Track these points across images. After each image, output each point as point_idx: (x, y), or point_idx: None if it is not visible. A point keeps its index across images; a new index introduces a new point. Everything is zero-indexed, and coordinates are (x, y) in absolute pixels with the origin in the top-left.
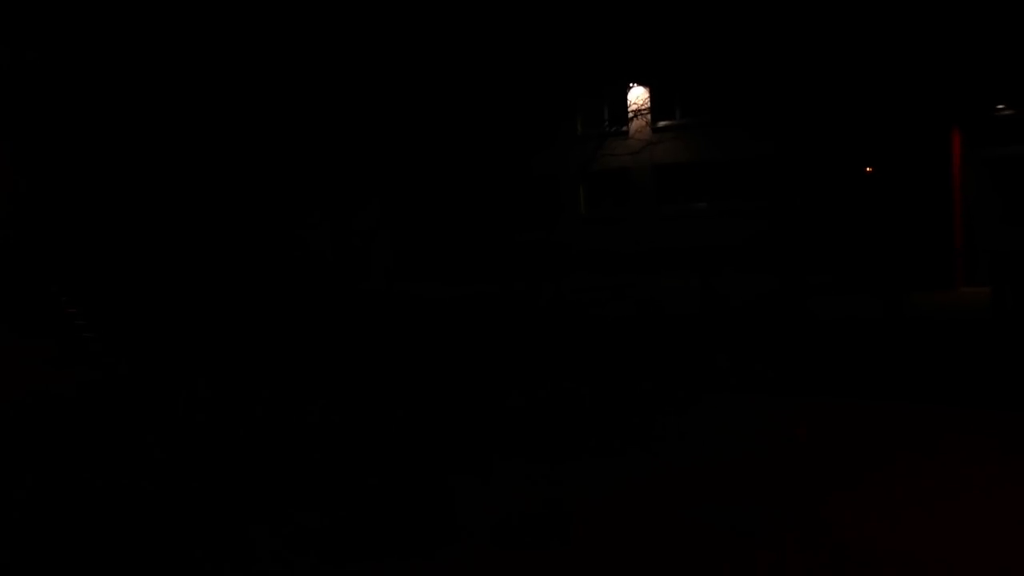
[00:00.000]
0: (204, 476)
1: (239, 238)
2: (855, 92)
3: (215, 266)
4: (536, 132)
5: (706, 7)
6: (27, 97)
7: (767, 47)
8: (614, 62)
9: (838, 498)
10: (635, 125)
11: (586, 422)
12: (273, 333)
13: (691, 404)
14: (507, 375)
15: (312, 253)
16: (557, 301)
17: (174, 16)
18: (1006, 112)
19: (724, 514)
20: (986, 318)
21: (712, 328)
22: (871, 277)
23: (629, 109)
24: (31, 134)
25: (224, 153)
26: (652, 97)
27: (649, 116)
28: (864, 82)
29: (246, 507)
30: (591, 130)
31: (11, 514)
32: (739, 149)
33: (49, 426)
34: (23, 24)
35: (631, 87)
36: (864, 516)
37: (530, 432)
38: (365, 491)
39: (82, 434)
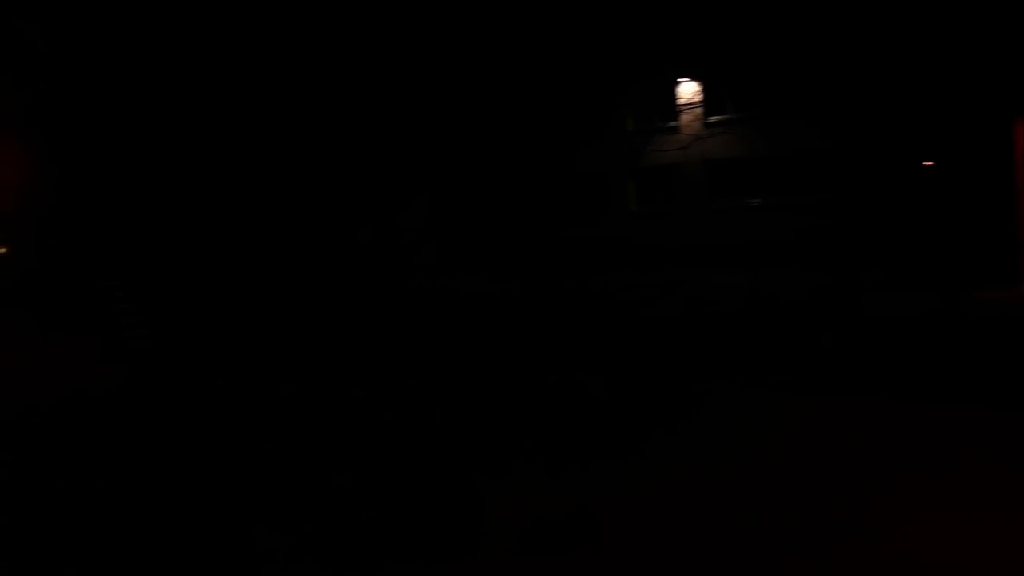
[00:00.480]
0: (226, 478)
1: (290, 235)
2: (913, 83)
3: (266, 263)
4: (584, 127)
5: None
6: (81, 100)
7: (821, 37)
8: (664, 56)
9: (883, 507)
10: (685, 120)
11: (621, 422)
12: (319, 330)
13: (733, 404)
14: (545, 373)
15: (361, 250)
16: (605, 298)
17: (228, 13)
18: None
19: (761, 523)
20: None
21: (760, 326)
22: (929, 273)
23: (679, 104)
24: (88, 135)
25: (277, 152)
26: (703, 91)
27: (700, 110)
28: (923, 72)
29: (264, 511)
30: (641, 125)
31: (21, 517)
32: (792, 143)
33: (86, 424)
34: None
35: (681, 81)
36: (911, 527)
37: (563, 433)
38: (389, 494)
39: (118, 434)
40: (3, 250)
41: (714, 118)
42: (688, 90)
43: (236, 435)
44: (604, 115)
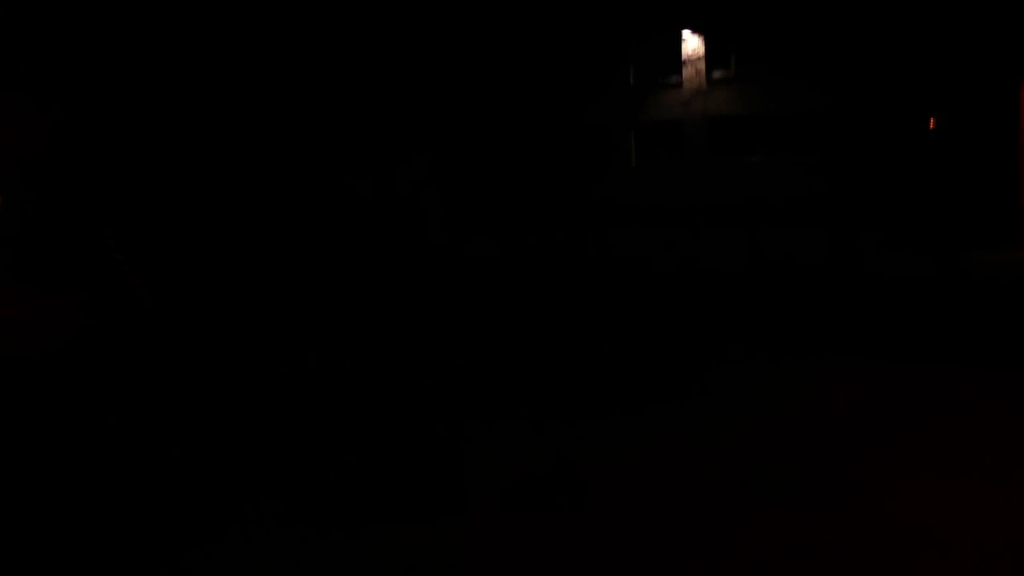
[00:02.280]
0: (207, 438)
1: (288, 183)
2: (918, 43)
3: (263, 216)
4: (588, 83)
5: None
6: (73, 49)
7: None
8: (670, 9)
9: (872, 467)
10: (689, 76)
11: (611, 380)
12: (312, 284)
13: (724, 364)
14: (541, 330)
15: (360, 204)
16: (604, 255)
17: None
18: None
19: (749, 481)
20: None
21: (756, 286)
22: (928, 234)
23: (683, 59)
24: (81, 84)
25: (274, 101)
26: (706, 46)
27: (703, 66)
28: (928, 33)
29: (248, 471)
30: (644, 81)
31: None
32: (795, 101)
33: (72, 376)
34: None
35: (685, 37)
36: (898, 487)
37: (552, 390)
38: (372, 452)
39: (99, 387)
40: None
41: (717, 74)
42: (692, 46)
43: (218, 401)
44: (608, 70)
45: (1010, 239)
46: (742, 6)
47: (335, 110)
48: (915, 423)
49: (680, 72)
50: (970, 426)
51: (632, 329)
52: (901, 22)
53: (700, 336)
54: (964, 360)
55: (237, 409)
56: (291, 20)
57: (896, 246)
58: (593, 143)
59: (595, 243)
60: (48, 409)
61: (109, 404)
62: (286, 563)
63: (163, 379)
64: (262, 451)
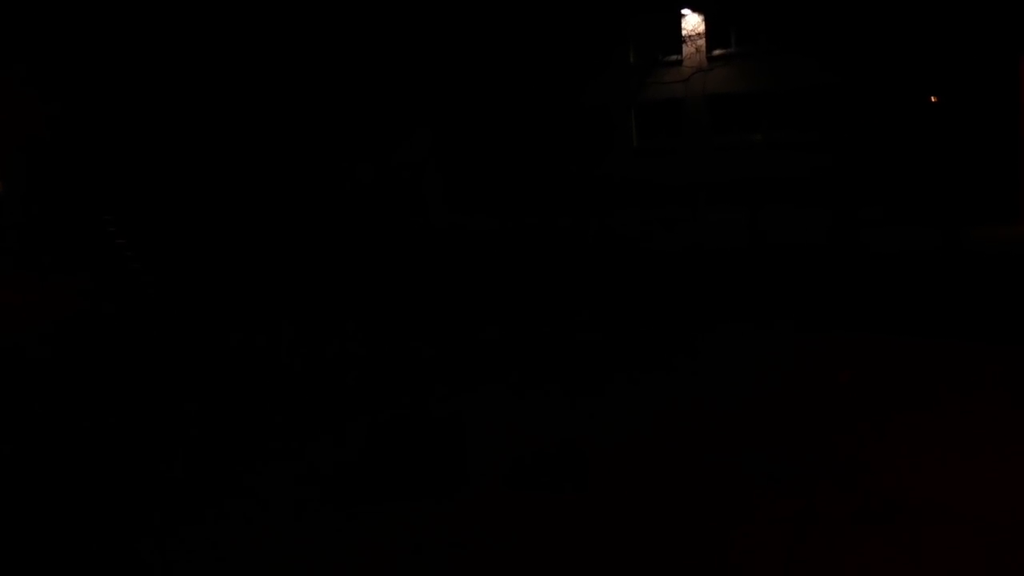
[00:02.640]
0: (215, 413)
1: (288, 167)
2: (919, 19)
3: (265, 199)
4: (588, 61)
5: None
6: (75, 36)
7: None
8: None
9: (874, 441)
10: (689, 54)
11: (613, 357)
12: (313, 266)
13: (726, 340)
14: (541, 308)
15: (362, 186)
16: (605, 234)
17: None
18: None
19: (751, 457)
20: None
21: (757, 263)
22: (930, 210)
23: (683, 37)
24: (82, 70)
25: (273, 84)
26: (707, 24)
27: (703, 43)
28: (928, 7)
29: (257, 447)
30: (644, 59)
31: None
32: (797, 78)
33: (74, 360)
34: None
35: (685, 14)
36: (901, 461)
37: (554, 366)
38: (378, 429)
39: (102, 372)
40: None
41: (718, 52)
42: (692, 22)
43: (219, 383)
44: (607, 48)
45: (1011, 214)
46: None
47: (335, 93)
48: (916, 397)
49: (680, 50)
50: (971, 400)
51: (632, 304)
52: None
53: (699, 312)
54: (963, 334)
55: (239, 390)
56: (290, 4)
57: (897, 222)
58: (593, 122)
59: (596, 222)
60: (51, 393)
61: (112, 387)
62: (288, 544)
63: (166, 363)
64: (264, 431)
